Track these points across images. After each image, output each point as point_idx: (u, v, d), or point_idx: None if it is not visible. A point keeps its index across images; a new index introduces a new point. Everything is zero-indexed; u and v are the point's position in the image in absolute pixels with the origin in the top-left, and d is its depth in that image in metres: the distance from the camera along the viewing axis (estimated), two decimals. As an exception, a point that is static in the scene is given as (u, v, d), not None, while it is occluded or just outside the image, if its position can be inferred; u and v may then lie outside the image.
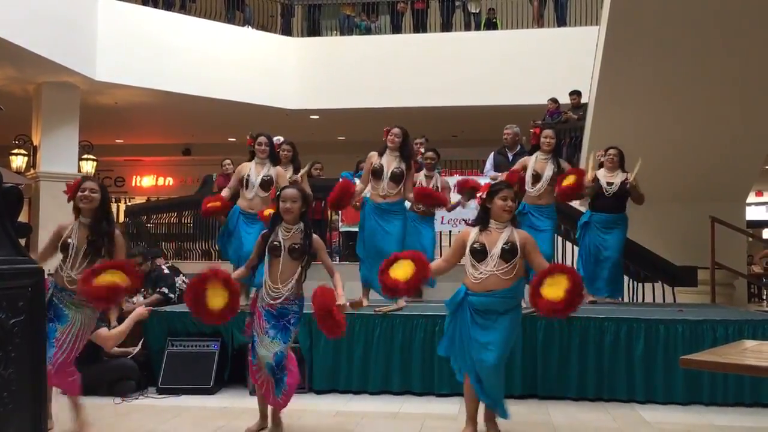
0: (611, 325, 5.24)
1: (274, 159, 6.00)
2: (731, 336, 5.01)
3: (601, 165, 6.75)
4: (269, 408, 4.15)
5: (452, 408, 4.96)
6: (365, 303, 5.72)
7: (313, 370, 5.39)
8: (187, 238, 10.95)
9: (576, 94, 11.20)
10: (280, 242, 3.96)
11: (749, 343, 3.52)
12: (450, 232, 8.06)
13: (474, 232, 3.91)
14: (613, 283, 6.71)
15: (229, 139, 17.32)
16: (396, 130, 5.79)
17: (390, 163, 5.74)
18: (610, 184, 6.56)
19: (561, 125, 10.82)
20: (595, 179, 6.58)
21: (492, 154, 8.29)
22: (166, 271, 7.03)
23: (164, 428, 4.31)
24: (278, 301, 3.93)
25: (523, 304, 4.23)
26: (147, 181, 19.77)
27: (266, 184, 5.74)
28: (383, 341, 5.37)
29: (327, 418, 4.17)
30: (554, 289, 3.71)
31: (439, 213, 7.14)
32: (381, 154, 5.78)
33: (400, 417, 4.74)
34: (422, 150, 7.22)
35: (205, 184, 10.86)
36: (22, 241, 2.49)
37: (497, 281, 3.84)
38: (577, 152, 9.79)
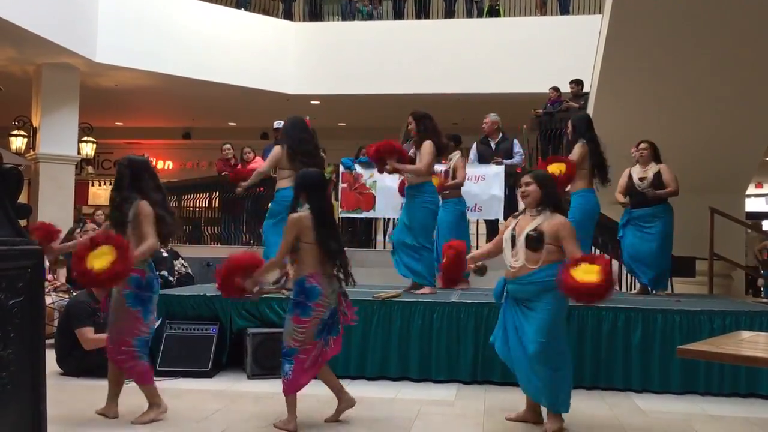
0: (609, 314, 5.26)
1: None
2: (728, 326, 5.04)
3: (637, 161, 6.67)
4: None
5: (449, 394, 5.00)
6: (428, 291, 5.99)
7: (311, 354, 5.40)
8: (188, 222, 10.94)
9: (576, 83, 11.17)
10: None
11: (746, 334, 3.54)
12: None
13: (515, 220, 3.91)
14: (661, 277, 6.73)
15: (230, 123, 17.28)
16: (409, 119, 6.08)
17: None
18: (642, 179, 6.51)
19: (562, 114, 10.81)
20: (630, 178, 6.58)
21: (474, 144, 8.33)
22: (165, 254, 7.05)
23: (162, 410, 4.32)
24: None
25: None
26: (147, 164, 19.72)
27: None
28: (381, 327, 5.38)
29: (324, 402, 4.19)
30: (587, 275, 3.56)
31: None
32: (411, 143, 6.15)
33: (397, 402, 4.77)
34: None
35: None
36: (22, 223, 2.49)
37: (524, 268, 3.83)
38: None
